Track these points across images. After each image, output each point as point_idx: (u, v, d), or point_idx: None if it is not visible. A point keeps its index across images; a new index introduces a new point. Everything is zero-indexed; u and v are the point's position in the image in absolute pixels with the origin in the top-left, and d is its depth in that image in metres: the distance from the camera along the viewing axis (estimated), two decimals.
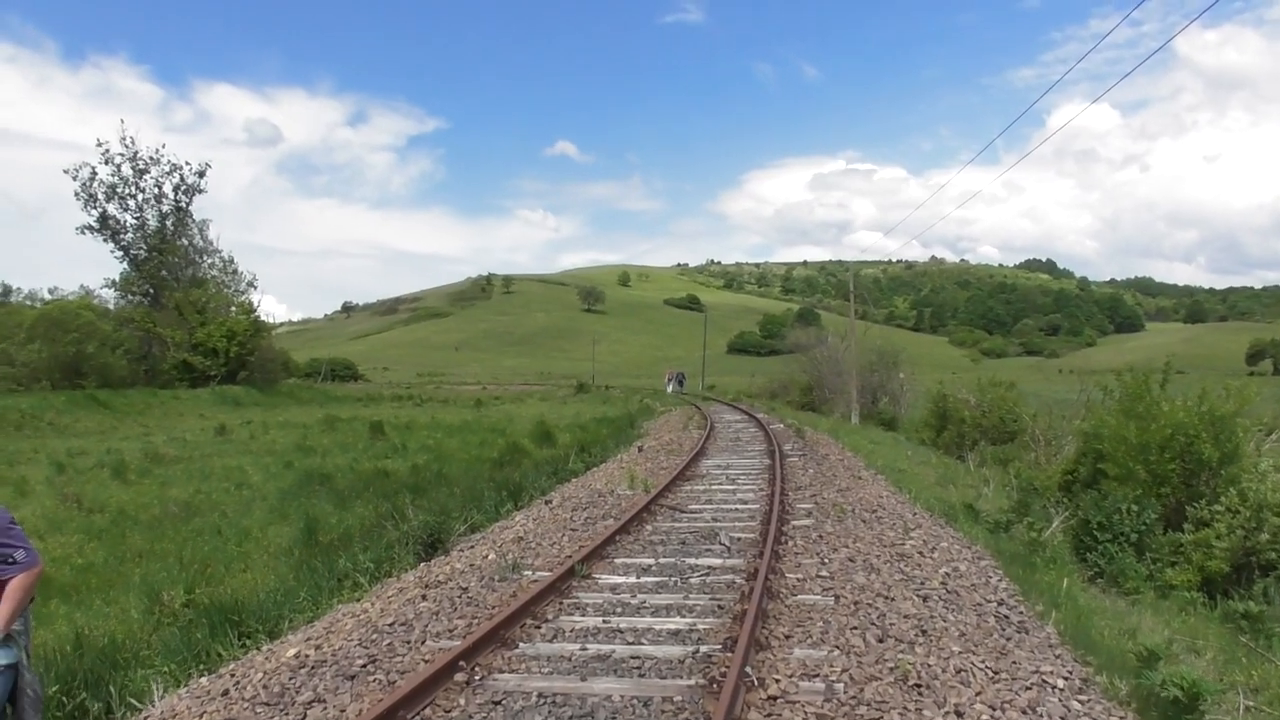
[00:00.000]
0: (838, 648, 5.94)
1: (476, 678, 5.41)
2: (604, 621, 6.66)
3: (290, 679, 5.44)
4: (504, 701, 5.06)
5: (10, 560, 3.67)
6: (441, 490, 16.06)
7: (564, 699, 5.08)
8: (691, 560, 8.84)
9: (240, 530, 13.97)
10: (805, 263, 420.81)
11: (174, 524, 14.60)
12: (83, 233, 55.60)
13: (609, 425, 32.04)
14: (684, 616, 6.80)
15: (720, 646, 5.96)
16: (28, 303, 59.68)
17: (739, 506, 12.18)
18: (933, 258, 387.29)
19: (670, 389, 71.64)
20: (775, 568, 8.27)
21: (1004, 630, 6.79)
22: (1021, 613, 7.47)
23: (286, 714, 4.88)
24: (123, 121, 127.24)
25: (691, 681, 5.32)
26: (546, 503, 13.28)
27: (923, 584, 7.88)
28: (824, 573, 8.15)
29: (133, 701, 6.02)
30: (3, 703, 3.66)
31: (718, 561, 8.76)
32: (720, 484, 14.60)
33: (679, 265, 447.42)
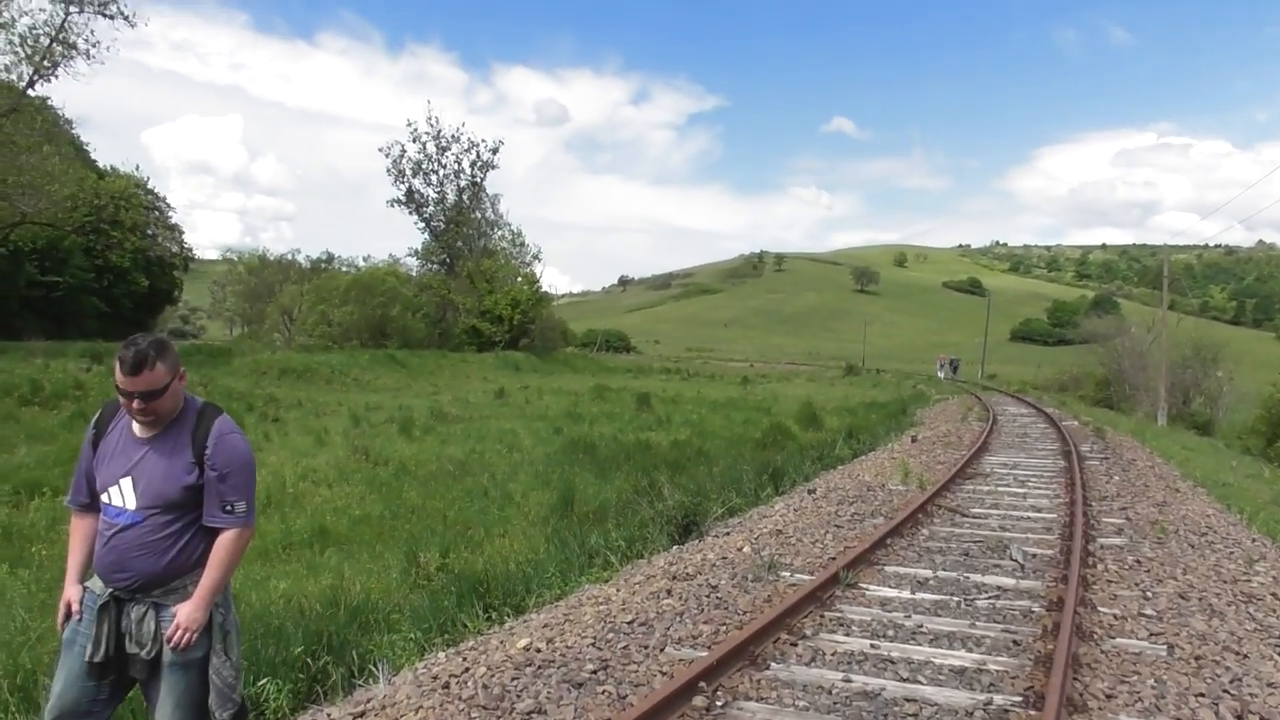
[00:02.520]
0: None
1: (718, 704, 4.65)
2: (872, 646, 5.68)
3: (514, 679, 4.93)
4: None
5: (229, 509, 3.27)
6: (700, 468, 15.54)
7: None
8: (977, 577, 7.60)
9: (505, 493, 14.14)
10: (1104, 246, 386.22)
11: (446, 481, 15.05)
12: (392, 205, 61.02)
13: (879, 411, 30.42)
14: (970, 650, 5.68)
15: (1020, 699, 4.82)
16: (345, 269, 66.21)
17: (1031, 515, 10.64)
18: (1260, 242, 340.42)
19: (942, 375, 67.66)
20: (1084, 598, 6.88)
21: None
22: None
23: None
24: (429, 102, 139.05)
25: None
26: (810, 492, 12.33)
27: None
28: (1148, 610, 6.66)
29: (373, 670, 5.83)
30: (200, 701, 3.30)
31: (1009, 582, 7.46)
32: (1007, 485, 12.99)
33: (960, 246, 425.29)
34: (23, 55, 28.01)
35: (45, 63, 28.27)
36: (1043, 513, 10.79)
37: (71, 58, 28.67)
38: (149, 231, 47.61)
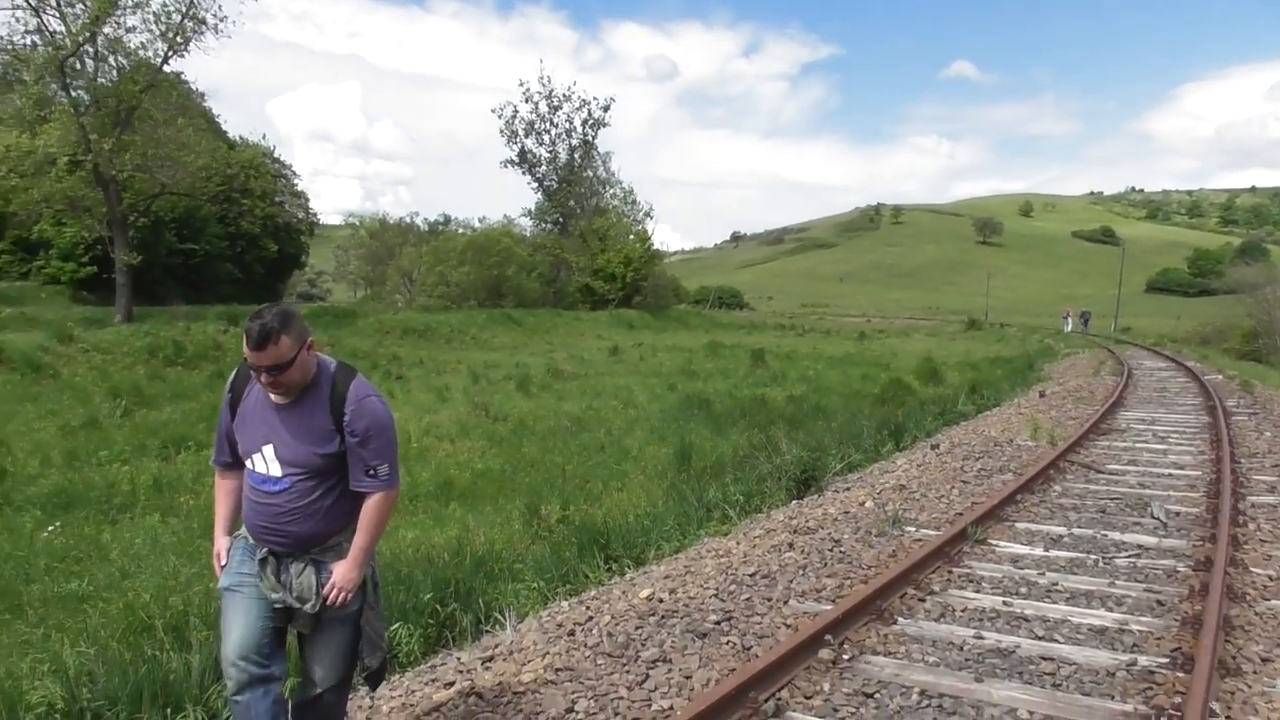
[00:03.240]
0: None
1: (845, 657, 4.57)
2: (1004, 603, 5.48)
3: (638, 628, 4.96)
4: (877, 695, 4.16)
5: (373, 473, 3.24)
6: (818, 424, 15.31)
7: (954, 705, 4.07)
8: (1115, 535, 7.25)
9: (621, 449, 14.24)
10: (1253, 189, 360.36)
11: (564, 437, 15.26)
12: (505, 166, 61.78)
13: (1004, 366, 29.38)
14: (1110, 610, 5.42)
15: (1166, 661, 4.58)
16: (461, 231, 67.56)
17: (1173, 472, 10.09)
18: None
19: (1069, 328, 64.63)
20: (1235, 558, 6.49)
21: None
22: None
23: (628, 671, 4.38)
24: (541, 61, 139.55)
25: (1128, 708, 4.05)
26: (933, 447, 11.99)
27: None
28: None
29: (498, 618, 5.96)
30: (352, 650, 3.39)
31: (1150, 540, 7.10)
32: (1146, 441, 12.35)
33: (1092, 194, 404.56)
34: (157, 33, 29.35)
35: (177, 39, 29.52)
36: (1186, 470, 10.22)
37: (201, 33, 29.85)
38: (277, 199, 49.59)
